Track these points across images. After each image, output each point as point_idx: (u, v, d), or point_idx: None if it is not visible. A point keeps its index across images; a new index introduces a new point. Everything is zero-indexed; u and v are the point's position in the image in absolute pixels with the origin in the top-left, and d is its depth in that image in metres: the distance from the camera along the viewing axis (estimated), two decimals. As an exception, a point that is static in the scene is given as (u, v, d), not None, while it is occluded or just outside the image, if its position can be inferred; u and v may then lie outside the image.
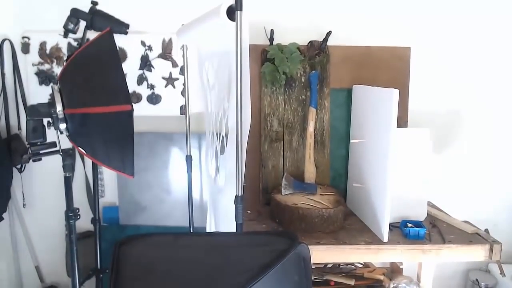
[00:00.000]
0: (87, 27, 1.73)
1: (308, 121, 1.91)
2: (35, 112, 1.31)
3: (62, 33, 1.73)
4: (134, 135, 1.18)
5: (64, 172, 1.45)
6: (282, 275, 0.93)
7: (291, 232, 1.07)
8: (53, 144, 1.38)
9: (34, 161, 1.38)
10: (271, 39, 1.96)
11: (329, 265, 2.05)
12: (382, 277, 1.95)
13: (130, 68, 2.10)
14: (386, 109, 1.53)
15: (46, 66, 2.08)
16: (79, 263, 1.56)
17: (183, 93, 2.12)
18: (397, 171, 1.57)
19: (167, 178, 2.18)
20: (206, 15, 1.32)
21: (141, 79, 2.12)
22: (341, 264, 2.05)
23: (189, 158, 2.04)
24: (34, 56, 2.07)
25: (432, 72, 2.15)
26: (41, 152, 1.36)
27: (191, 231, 2.09)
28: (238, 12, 1.13)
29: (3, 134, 2.12)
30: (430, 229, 1.68)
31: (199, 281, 0.91)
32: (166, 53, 2.10)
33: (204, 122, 2.01)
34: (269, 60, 1.93)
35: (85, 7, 1.73)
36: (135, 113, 1.14)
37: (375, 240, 1.58)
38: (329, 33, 1.93)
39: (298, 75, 1.96)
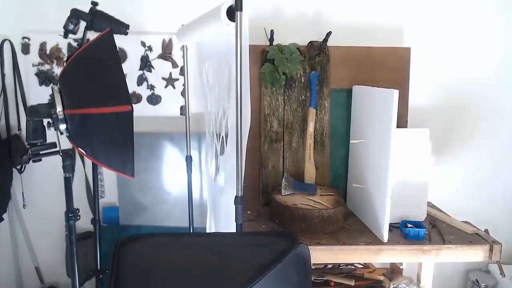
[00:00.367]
0: (87, 28, 1.74)
1: (308, 122, 1.91)
2: (35, 113, 1.31)
3: (62, 34, 1.73)
4: (134, 136, 1.18)
5: (64, 172, 1.45)
6: (282, 276, 0.93)
7: (291, 233, 1.07)
8: (53, 145, 1.38)
9: (34, 161, 1.38)
10: (271, 40, 1.96)
11: (329, 266, 2.05)
12: (382, 278, 1.95)
13: (130, 68, 2.10)
14: (386, 110, 1.53)
15: (46, 67, 2.08)
16: (79, 263, 1.56)
17: (183, 93, 2.12)
18: (397, 171, 1.57)
19: (167, 179, 2.18)
20: (206, 16, 1.32)
21: (141, 80, 2.12)
22: (341, 265, 2.05)
23: (189, 159, 2.04)
24: (34, 56, 2.07)
25: (432, 72, 2.15)
26: (41, 152, 1.36)
27: (191, 231, 2.09)
28: (238, 12, 1.13)
29: (3, 135, 2.13)
30: (430, 230, 1.68)
31: (199, 282, 0.91)
32: (166, 54, 2.10)
33: (204, 122, 2.01)
34: (269, 61, 1.93)
35: (85, 7, 1.73)
36: (135, 114, 1.14)
37: (375, 240, 1.58)
38: (329, 34, 1.93)
39: (298, 75, 1.97)
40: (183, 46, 1.99)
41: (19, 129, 2.16)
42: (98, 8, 1.75)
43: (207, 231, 2.02)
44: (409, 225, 1.62)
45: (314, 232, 1.62)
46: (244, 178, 1.29)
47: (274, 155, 2.00)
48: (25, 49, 2.06)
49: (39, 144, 1.35)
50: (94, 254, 1.96)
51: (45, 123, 1.34)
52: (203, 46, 1.83)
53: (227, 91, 1.50)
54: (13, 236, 2.25)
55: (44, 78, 2.09)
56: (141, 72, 2.11)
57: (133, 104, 1.15)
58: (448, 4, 2.10)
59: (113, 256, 0.99)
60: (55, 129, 1.30)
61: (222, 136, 1.61)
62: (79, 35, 1.77)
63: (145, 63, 2.10)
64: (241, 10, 1.13)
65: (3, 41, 2.06)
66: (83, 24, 1.74)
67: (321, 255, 1.54)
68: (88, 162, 2.15)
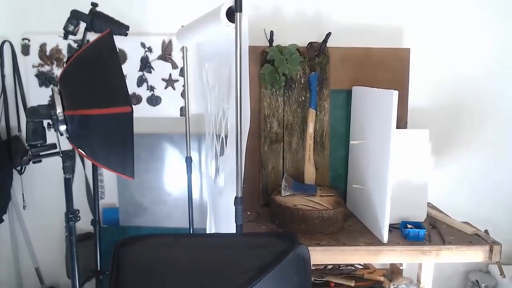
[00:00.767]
0: (87, 29, 1.74)
1: (307, 122, 1.91)
2: (35, 114, 1.31)
3: (62, 35, 1.73)
4: (134, 137, 1.18)
5: (64, 173, 1.46)
6: (282, 276, 0.94)
7: (291, 233, 1.07)
8: (53, 146, 1.38)
9: (34, 162, 1.38)
10: (271, 40, 1.96)
11: (329, 266, 2.05)
12: (382, 278, 1.95)
13: (130, 69, 2.10)
14: (385, 110, 1.53)
15: (46, 68, 2.08)
16: (79, 264, 1.56)
17: (183, 94, 2.12)
18: (396, 172, 1.57)
19: (167, 180, 2.18)
20: (206, 17, 1.32)
21: (141, 81, 2.12)
22: (341, 265, 2.05)
23: (189, 160, 2.04)
24: (34, 57, 2.07)
25: (431, 73, 2.15)
26: (41, 153, 1.36)
27: (191, 232, 2.09)
28: (238, 13, 1.13)
29: (3, 136, 2.13)
30: (430, 230, 1.68)
31: (199, 282, 0.92)
32: (166, 55, 2.10)
33: (204, 123, 2.01)
34: (268, 62, 1.93)
35: (85, 8, 1.73)
36: (135, 115, 1.15)
37: (375, 241, 1.58)
38: (328, 34, 1.93)
39: (298, 76, 1.97)
40: (183, 47, 1.99)
41: (19, 130, 2.16)
42: (98, 9, 1.75)
43: (207, 232, 2.02)
44: (409, 226, 1.62)
45: (314, 233, 1.62)
46: (244, 179, 1.29)
47: (274, 156, 2.00)
48: (25, 50, 2.07)
49: (39, 145, 1.35)
50: (94, 255, 1.96)
51: (45, 124, 1.34)
52: (203, 47, 1.84)
53: (227, 92, 1.50)
54: (13, 237, 2.25)
55: (44, 79, 2.09)
56: (141, 73, 2.11)
57: (133, 105, 1.15)
58: (447, 5, 2.10)
59: (113, 257, 0.99)
60: (55, 130, 1.30)
61: (222, 137, 1.61)
62: (79, 36, 1.77)
63: (145, 64, 2.10)
64: (240, 11, 1.13)
65: (3, 42, 2.07)
66: (83, 25, 1.74)
67: (321, 255, 1.54)
68: (88, 163, 2.15)
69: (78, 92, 1.28)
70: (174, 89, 2.13)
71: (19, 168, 2.16)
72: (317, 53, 1.97)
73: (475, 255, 1.56)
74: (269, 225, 1.75)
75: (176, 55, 2.10)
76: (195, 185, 2.15)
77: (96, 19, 1.73)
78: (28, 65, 2.08)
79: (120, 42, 1.96)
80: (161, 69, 2.11)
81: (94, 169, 1.96)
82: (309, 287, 1.00)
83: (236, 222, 1.29)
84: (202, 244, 1.07)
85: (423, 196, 1.76)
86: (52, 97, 1.30)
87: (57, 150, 1.40)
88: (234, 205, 1.28)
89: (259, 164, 2.01)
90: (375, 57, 2.00)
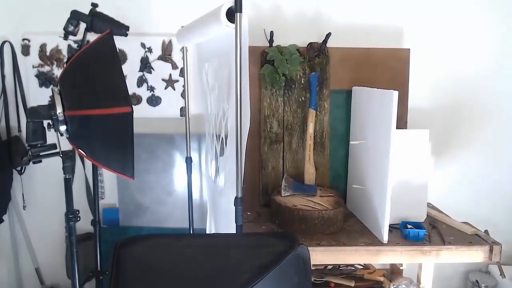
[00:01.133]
0: (87, 29, 1.74)
1: (307, 123, 1.91)
2: (35, 114, 1.32)
3: (62, 35, 1.73)
4: (134, 137, 1.18)
5: (64, 174, 1.46)
6: (282, 277, 0.94)
7: (291, 234, 1.07)
8: (53, 146, 1.39)
9: (34, 163, 1.38)
10: (271, 41, 1.96)
11: (329, 267, 2.05)
12: (382, 279, 1.95)
13: (130, 70, 2.10)
14: (385, 111, 1.53)
15: (46, 68, 2.08)
16: (79, 264, 1.56)
17: (183, 95, 2.12)
18: (396, 172, 1.57)
19: (167, 180, 2.18)
20: (206, 17, 1.32)
21: (141, 81, 2.12)
22: (341, 266, 2.05)
23: (189, 160, 2.04)
24: (34, 58, 2.07)
25: (431, 73, 2.15)
26: (41, 154, 1.36)
27: (191, 232, 2.09)
28: (238, 14, 1.13)
29: (3, 136, 2.13)
30: (430, 230, 1.68)
31: (199, 283, 0.92)
32: (166, 55, 2.10)
33: (204, 123, 2.01)
34: (268, 62, 1.93)
35: (85, 9, 1.73)
36: (135, 115, 1.15)
37: (375, 241, 1.59)
38: (328, 35, 1.93)
39: (298, 76, 1.97)
40: (183, 48, 1.99)
41: (19, 130, 2.16)
42: (98, 9, 1.75)
43: (207, 232, 2.02)
44: (409, 226, 1.62)
45: (314, 233, 1.62)
46: (244, 179, 1.29)
47: (274, 156, 2.00)
48: (25, 50, 2.07)
49: (39, 145, 1.35)
50: (94, 255, 1.96)
51: (45, 125, 1.34)
52: (203, 47, 1.84)
53: (227, 92, 1.50)
54: (13, 237, 2.25)
55: (44, 79, 2.09)
56: (141, 73, 2.12)
57: (133, 106, 1.15)
58: (447, 5, 2.10)
59: (113, 257, 0.99)
60: (55, 131, 1.30)
61: (222, 137, 1.61)
62: (79, 36, 1.77)
63: (145, 65, 2.11)
64: (240, 11, 1.13)
65: (3, 42, 2.07)
66: (83, 25, 1.74)
67: (321, 256, 1.54)
68: (88, 163, 2.15)
69: (78, 93, 1.28)
70: (174, 89, 2.13)
71: (19, 168, 2.16)
72: (317, 54, 1.97)
73: (475, 255, 1.56)
74: (269, 225, 1.75)
75: (176, 56, 2.10)
76: (195, 185, 2.15)
77: (96, 19, 1.73)
78: (28, 65, 2.08)
79: (120, 42, 1.96)
80: (161, 70, 2.11)
81: (94, 169, 1.96)
82: (309, 287, 1.00)
83: (236, 222, 1.29)
84: (202, 244, 1.07)
85: (423, 196, 1.76)
86: (52, 97, 1.30)
87: (57, 150, 1.40)
88: (234, 205, 1.28)
89: (259, 164, 2.01)
90: (375, 57, 2.00)
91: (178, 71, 2.11)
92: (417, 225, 1.64)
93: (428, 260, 1.57)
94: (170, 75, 2.12)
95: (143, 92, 2.13)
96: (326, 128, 2.01)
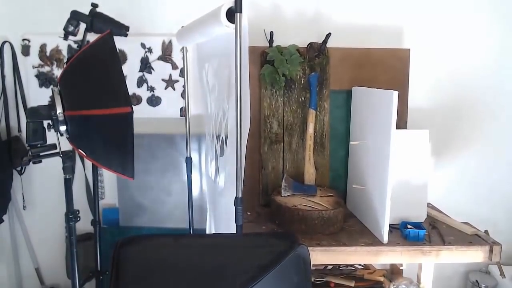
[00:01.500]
0: (87, 30, 1.74)
1: (307, 123, 1.91)
2: (35, 114, 1.32)
3: (62, 36, 1.73)
4: (134, 137, 1.18)
5: (64, 174, 1.46)
6: (282, 277, 0.94)
7: (291, 234, 1.07)
8: (53, 146, 1.39)
9: (34, 163, 1.38)
10: (271, 41, 1.96)
11: (329, 267, 2.05)
12: (382, 279, 1.95)
13: (130, 70, 2.10)
14: (385, 111, 1.53)
15: (46, 68, 2.08)
16: (79, 265, 1.56)
17: (183, 95, 2.12)
18: (396, 172, 1.57)
19: (167, 180, 2.18)
20: (205, 17, 1.32)
21: (141, 81, 2.12)
22: (341, 266, 2.05)
23: (189, 160, 2.04)
24: (34, 58, 2.07)
25: (431, 73, 2.15)
26: (41, 154, 1.36)
27: (191, 232, 2.09)
28: (238, 14, 1.13)
29: (3, 136, 2.13)
30: (430, 231, 1.68)
31: (199, 283, 0.92)
32: (166, 55, 2.10)
33: (204, 124, 2.01)
34: (268, 62, 1.93)
35: (85, 9, 1.73)
36: (135, 115, 1.15)
37: (375, 241, 1.59)
38: (328, 35, 1.93)
39: (298, 76, 1.97)
40: (183, 48, 1.99)
41: (19, 130, 2.16)
42: (98, 10, 1.76)
43: (207, 232, 2.02)
44: (409, 226, 1.62)
45: (314, 233, 1.63)
46: (244, 179, 1.29)
47: (274, 156, 2.00)
48: (25, 51, 2.07)
49: (39, 145, 1.35)
50: (94, 255, 1.97)
51: (45, 125, 1.34)
52: (203, 47, 1.84)
53: (227, 93, 1.50)
54: (13, 238, 2.25)
55: (44, 79, 2.10)
56: (141, 73, 2.12)
57: (133, 106, 1.15)
58: (447, 5, 2.10)
59: (113, 257, 0.99)
60: (55, 131, 1.30)
61: (222, 138, 1.61)
62: (79, 37, 1.77)
63: (145, 65, 2.11)
64: (240, 11, 1.13)
65: (3, 43, 2.07)
66: (83, 26, 1.74)
67: (321, 256, 1.54)
68: (88, 163, 2.15)
69: (78, 93, 1.28)
70: (174, 89, 2.13)
71: (19, 168, 2.16)
72: (317, 54, 1.97)
73: (475, 255, 1.56)
74: (269, 225, 1.75)
75: (176, 56, 2.10)
76: (195, 185, 2.15)
77: (96, 19, 1.73)
78: (28, 65, 2.08)
79: (120, 42, 1.96)
80: (161, 70, 2.11)
81: (94, 169, 1.96)
82: (309, 287, 1.00)
83: (236, 222, 1.29)
84: (202, 245, 1.07)
85: (423, 196, 1.76)
86: (52, 97, 1.30)
87: (57, 150, 1.40)
88: (234, 205, 1.28)
89: (259, 164, 2.01)
90: (375, 57, 2.01)
91: (178, 71, 2.12)
92: (417, 225, 1.64)
93: (428, 260, 1.57)
94: (170, 75, 2.12)
95: (143, 92, 2.13)
96: (326, 128, 2.01)
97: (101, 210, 2.18)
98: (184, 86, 2.07)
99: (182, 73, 2.10)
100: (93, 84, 1.25)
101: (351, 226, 1.74)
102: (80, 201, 2.18)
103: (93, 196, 1.98)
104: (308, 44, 1.98)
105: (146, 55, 2.10)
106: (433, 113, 2.18)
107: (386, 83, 1.98)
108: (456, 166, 2.25)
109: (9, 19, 2.07)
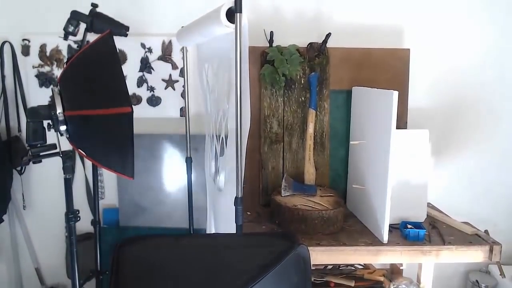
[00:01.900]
0: (87, 30, 1.74)
1: (307, 123, 1.91)
2: (35, 114, 1.31)
3: (62, 36, 1.73)
4: (134, 137, 1.18)
5: (64, 174, 1.46)
6: (282, 276, 0.94)
7: (291, 233, 1.07)
8: (53, 146, 1.38)
9: (34, 163, 1.38)
10: (271, 41, 1.96)
11: (329, 267, 2.05)
12: (382, 278, 1.95)
13: (130, 70, 2.10)
14: (385, 111, 1.53)
15: (46, 68, 2.09)
16: (79, 264, 1.56)
17: (183, 95, 2.12)
18: (396, 172, 1.57)
19: (167, 180, 2.18)
20: (205, 17, 1.32)
21: (141, 81, 2.12)
22: (341, 266, 2.05)
23: (189, 160, 2.04)
24: (34, 58, 2.07)
25: (431, 73, 2.15)
26: (41, 154, 1.36)
27: (191, 232, 2.09)
28: (238, 14, 1.13)
29: (3, 136, 2.13)
30: (430, 230, 1.68)
31: (199, 283, 0.92)
32: (166, 55, 2.10)
33: (204, 123, 2.01)
34: (268, 62, 1.93)
35: (85, 9, 1.73)
36: (135, 115, 1.15)
37: (375, 241, 1.59)
38: (328, 35, 1.93)
39: (298, 76, 1.97)
40: (183, 48, 1.99)
41: (19, 130, 2.16)
42: (98, 10, 1.76)
43: (207, 232, 2.02)
44: (409, 226, 1.62)
45: (314, 233, 1.63)
46: (244, 179, 1.29)
47: (274, 156, 2.00)
48: (25, 51, 2.07)
49: (39, 145, 1.35)
50: (94, 255, 1.97)
51: (45, 125, 1.34)
52: (203, 47, 1.84)
53: (227, 93, 1.50)
54: (13, 237, 2.25)
55: (44, 79, 2.10)
56: (141, 73, 2.12)
57: (133, 106, 1.15)
58: (447, 5, 2.10)
59: (113, 257, 0.99)
60: (55, 131, 1.30)
61: (222, 137, 1.61)
62: (79, 37, 1.77)
63: (145, 65, 2.11)
64: (240, 11, 1.13)
65: (3, 43, 2.07)
66: (83, 26, 1.74)
67: (321, 256, 1.55)
68: (88, 163, 2.15)
69: (78, 93, 1.28)
70: (174, 89, 2.13)
71: (19, 168, 2.16)
72: (317, 54, 1.97)
73: (475, 255, 1.56)
74: (269, 225, 1.75)
75: (176, 56, 2.10)
76: (195, 185, 2.15)
77: (96, 19, 1.73)
78: (28, 65, 2.08)
79: (120, 42, 1.96)
80: (161, 70, 2.11)
81: (94, 169, 1.96)
82: (309, 287, 1.00)
83: (236, 222, 1.29)
84: (202, 244, 1.08)
85: (423, 196, 1.76)
86: (52, 97, 1.30)
87: (57, 150, 1.40)
88: (234, 205, 1.28)
89: (259, 164, 2.01)
90: (375, 57, 2.01)
91: (178, 71, 2.12)
92: (417, 225, 1.64)
93: (428, 260, 1.57)
94: (170, 75, 2.12)
95: (143, 92, 2.13)
96: (326, 128, 2.01)
97: (101, 210, 2.18)
98: (184, 86, 2.07)
99: (182, 73, 2.10)
100: (93, 84, 1.25)
101: (351, 226, 1.74)
102: (80, 201, 2.18)
103: (93, 196, 1.98)
104: (308, 44, 1.98)
105: (146, 55, 2.10)
106: (433, 113, 2.18)
107: (386, 83, 1.98)
108: (456, 166, 2.25)
109: (9, 19, 2.07)
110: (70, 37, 1.75)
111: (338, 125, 2.02)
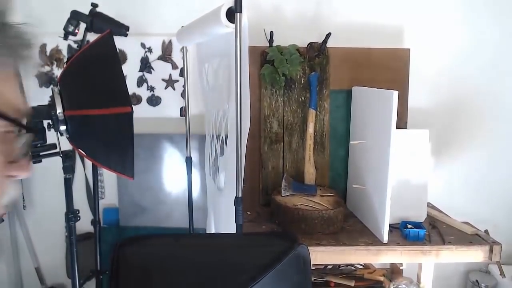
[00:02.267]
0: (87, 29, 1.74)
1: (307, 123, 1.91)
2: (35, 114, 1.31)
3: (62, 36, 1.73)
4: (134, 137, 1.18)
5: (64, 173, 1.46)
6: (282, 276, 0.93)
7: (291, 233, 1.07)
8: (53, 146, 1.38)
9: (34, 162, 1.38)
10: (271, 41, 1.96)
11: (329, 266, 2.05)
12: (382, 278, 1.95)
13: (130, 70, 2.10)
14: (385, 111, 1.53)
15: (46, 68, 2.08)
16: (79, 264, 1.56)
17: (183, 95, 2.12)
18: (396, 172, 1.57)
19: (167, 180, 2.18)
20: (205, 17, 1.32)
21: (141, 81, 2.12)
22: (341, 265, 2.05)
23: (189, 160, 2.04)
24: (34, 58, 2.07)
25: (431, 73, 2.15)
26: (41, 153, 1.36)
27: (191, 232, 2.09)
28: (238, 14, 1.13)
29: (3, 136, 2.13)
30: (430, 230, 1.68)
31: (199, 283, 0.92)
32: (166, 55, 2.10)
33: (204, 124, 2.01)
34: (268, 62, 1.93)
35: (85, 9, 1.73)
36: (135, 115, 1.15)
37: (375, 241, 1.59)
38: (328, 35, 1.93)
39: (298, 76, 1.97)
40: (183, 48, 1.99)
41: (19, 130, 2.16)
42: (98, 9, 1.75)
43: (207, 232, 2.02)
44: (409, 226, 1.62)
45: (314, 233, 1.63)
46: (244, 179, 1.29)
47: (274, 156, 2.00)
48: (25, 50, 2.06)
49: (39, 145, 1.35)
50: (94, 255, 1.97)
51: (45, 124, 1.34)
52: (202, 47, 1.84)
53: (227, 92, 1.50)
54: (13, 237, 2.25)
55: (44, 79, 2.09)
56: (141, 73, 2.12)
57: (133, 105, 1.15)
58: (448, 5, 2.10)
59: (112, 257, 0.99)
60: (55, 130, 1.30)
61: (222, 137, 1.61)
62: (79, 36, 1.77)
63: (145, 65, 2.11)
64: (240, 11, 1.13)
65: (3, 42, 2.07)
66: (83, 25, 1.74)
67: (321, 255, 1.54)
68: (88, 163, 2.15)
69: (78, 93, 1.28)
70: (174, 89, 2.13)
71: (19, 168, 2.16)
72: (317, 54, 1.97)
73: (475, 255, 1.56)
74: (269, 225, 1.75)
75: (176, 56, 2.10)
76: (195, 185, 2.15)
77: (96, 19, 1.73)
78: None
79: (120, 42, 1.95)
80: (161, 70, 2.11)
81: (94, 169, 1.96)
82: (309, 287, 1.00)
83: (236, 222, 1.29)
84: (202, 244, 1.07)
85: (423, 196, 1.76)
86: (52, 97, 1.30)
87: (57, 150, 1.40)
88: (234, 205, 1.28)
89: (259, 164, 2.01)
90: (375, 57, 2.01)
91: (178, 71, 2.11)
92: (417, 225, 1.64)
93: (428, 260, 1.58)
94: (170, 75, 2.12)
95: (143, 92, 2.13)
96: (326, 128, 2.01)
97: (101, 210, 2.18)
98: (184, 86, 2.06)
99: (182, 73, 2.10)
100: (93, 84, 1.25)
101: (351, 226, 1.74)
102: (80, 200, 2.17)
103: (93, 196, 1.98)
104: (308, 44, 1.98)
105: (146, 55, 2.10)
106: (433, 113, 2.18)
107: (386, 83, 1.98)
108: (456, 166, 2.25)
109: (9, 19, 2.06)
110: (70, 37, 1.75)
111: (338, 125, 2.02)
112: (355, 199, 1.89)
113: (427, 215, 1.78)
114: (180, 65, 2.10)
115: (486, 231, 1.67)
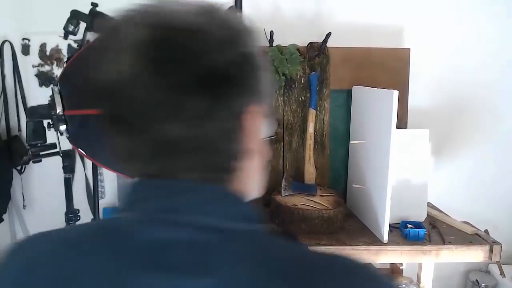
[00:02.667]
0: (87, 29, 1.74)
1: (308, 122, 1.91)
2: (35, 114, 1.32)
3: (62, 35, 1.73)
4: (134, 137, 1.18)
5: (64, 173, 1.46)
6: (282, 276, 0.93)
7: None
8: (53, 146, 1.39)
9: (34, 162, 1.38)
10: (271, 40, 1.96)
11: (329, 266, 2.05)
12: (382, 278, 1.95)
13: (130, 69, 2.09)
14: (385, 110, 1.53)
15: (46, 68, 2.08)
16: (79, 264, 1.55)
17: (183, 94, 2.11)
18: (396, 172, 1.57)
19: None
20: (205, 17, 1.32)
21: (141, 81, 2.12)
22: (341, 265, 2.04)
23: (189, 160, 2.03)
24: (34, 57, 2.07)
25: (431, 73, 2.15)
26: (41, 153, 1.36)
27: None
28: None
29: (3, 136, 2.13)
30: (430, 230, 1.68)
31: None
32: (166, 55, 2.10)
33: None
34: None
35: (85, 8, 1.73)
36: (135, 115, 1.14)
37: (375, 241, 1.58)
38: (328, 35, 1.93)
39: (298, 76, 1.97)
40: (183, 47, 1.98)
41: (19, 130, 2.16)
42: (98, 9, 1.75)
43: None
44: (409, 226, 1.62)
45: (314, 233, 1.62)
46: (244, 178, 1.29)
47: (274, 156, 2.00)
48: (25, 50, 2.07)
49: (39, 145, 1.35)
50: (94, 255, 1.96)
51: (45, 124, 1.34)
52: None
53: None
54: (13, 237, 2.25)
55: (44, 79, 2.09)
56: (141, 73, 2.11)
57: (133, 105, 1.15)
58: (448, 5, 2.10)
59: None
60: (55, 130, 1.30)
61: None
62: (79, 36, 1.77)
63: (145, 64, 2.10)
64: (241, 11, 1.13)
65: (3, 42, 2.07)
66: (83, 25, 1.74)
67: (321, 255, 1.54)
68: (88, 163, 2.15)
69: (78, 92, 1.28)
70: (174, 89, 2.13)
71: (19, 167, 2.16)
72: (317, 53, 1.97)
73: (475, 255, 1.56)
74: (269, 225, 1.75)
75: (176, 55, 2.09)
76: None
77: (96, 19, 1.72)
78: (28, 65, 2.08)
79: (120, 42, 1.95)
80: (161, 69, 2.10)
81: (94, 169, 1.95)
82: (309, 286, 1.00)
83: (236, 222, 1.29)
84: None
85: (423, 196, 1.76)
86: (52, 97, 1.30)
87: (57, 150, 1.40)
88: (234, 205, 1.28)
89: (259, 164, 2.00)
90: (375, 57, 2.00)
91: (178, 70, 2.11)
92: (417, 225, 1.63)
93: (428, 259, 1.57)
94: (170, 74, 2.12)
95: (143, 92, 2.12)
96: (326, 128, 2.01)
97: (101, 210, 2.18)
98: (184, 86, 2.06)
99: (182, 73, 2.10)
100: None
101: (351, 226, 1.73)
102: (80, 200, 2.17)
103: (93, 196, 1.97)
104: (308, 44, 1.98)
105: (146, 55, 2.09)
106: (433, 113, 2.18)
107: (386, 82, 1.98)
108: (456, 166, 2.24)
109: (9, 19, 2.06)
110: (70, 36, 1.74)
111: (338, 125, 2.02)
112: (355, 199, 1.89)
113: (427, 215, 1.78)
114: (180, 64, 2.10)
115: (486, 231, 1.67)
